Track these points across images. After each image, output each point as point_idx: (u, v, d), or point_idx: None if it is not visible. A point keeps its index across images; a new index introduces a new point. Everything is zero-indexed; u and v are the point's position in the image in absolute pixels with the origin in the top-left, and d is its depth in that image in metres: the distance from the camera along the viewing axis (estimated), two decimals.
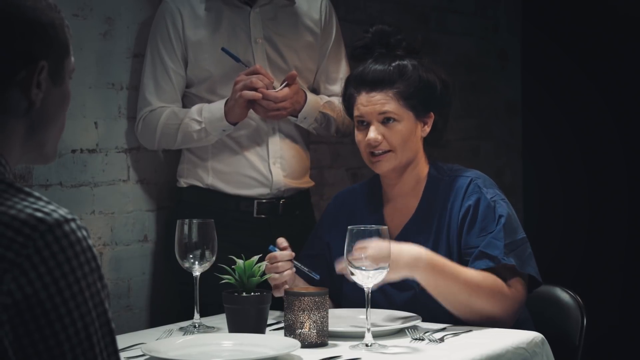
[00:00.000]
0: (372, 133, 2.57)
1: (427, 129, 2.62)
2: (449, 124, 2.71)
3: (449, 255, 2.55)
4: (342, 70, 3.15)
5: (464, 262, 2.52)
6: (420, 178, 2.65)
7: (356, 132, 2.63)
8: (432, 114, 2.62)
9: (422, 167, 2.65)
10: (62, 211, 1.29)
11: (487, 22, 4.76)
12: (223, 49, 2.93)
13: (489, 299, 2.45)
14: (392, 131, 2.57)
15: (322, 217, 2.81)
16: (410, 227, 2.62)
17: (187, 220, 2.50)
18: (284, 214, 3.04)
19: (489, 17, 4.77)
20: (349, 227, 2.28)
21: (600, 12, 4.79)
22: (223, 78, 2.97)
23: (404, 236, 2.59)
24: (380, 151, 2.58)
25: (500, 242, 2.48)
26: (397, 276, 2.42)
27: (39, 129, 1.41)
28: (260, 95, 2.84)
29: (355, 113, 2.61)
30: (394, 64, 2.59)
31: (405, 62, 2.60)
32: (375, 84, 2.58)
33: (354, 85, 2.63)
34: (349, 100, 2.65)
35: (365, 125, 2.60)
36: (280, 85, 2.91)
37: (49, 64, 1.39)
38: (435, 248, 2.56)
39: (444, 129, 2.68)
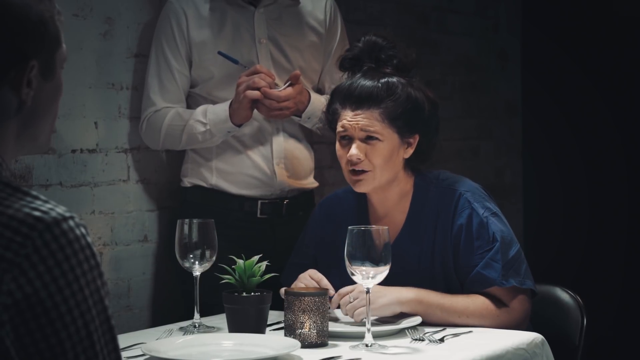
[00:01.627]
0: (354, 150, 2.50)
1: (410, 150, 2.56)
2: (436, 146, 2.63)
3: (444, 271, 2.55)
4: None
5: (461, 280, 2.53)
6: (405, 191, 2.61)
7: (338, 147, 2.56)
8: (417, 135, 2.56)
9: (406, 182, 2.61)
10: (60, 209, 1.29)
11: (487, 22, 4.76)
12: (220, 53, 2.93)
13: (479, 320, 2.47)
14: (374, 149, 2.51)
15: (308, 226, 2.76)
16: (402, 240, 2.59)
17: (187, 220, 2.50)
18: (288, 215, 3.04)
19: (489, 17, 4.77)
20: (349, 227, 2.27)
21: (600, 12, 4.79)
22: (227, 78, 2.96)
23: (396, 249, 2.56)
24: (359, 169, 2.52)
25: (498, 264, 2.48)
26: (385, 312, 2.45)
27: (32, 125, 1.40)
28: (261, 94, 2.84)
29: (339, 128, 2.54)
30: (382, 81, 2.52)
31: (394, 80, 2.53)
32: (361, 101, 2.51)
33: (340, 99, 2.55)
34: (333, 115, 2.58)
35: (347, 140, 2.53)
36: (284, 84, 2.91)
37: (40, 62, 1.37)
38: (430, 259, 2.57)
39: (429, 150, 2.61)
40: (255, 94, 2.84)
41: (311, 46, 3.07)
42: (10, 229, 1.25)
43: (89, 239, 1.30)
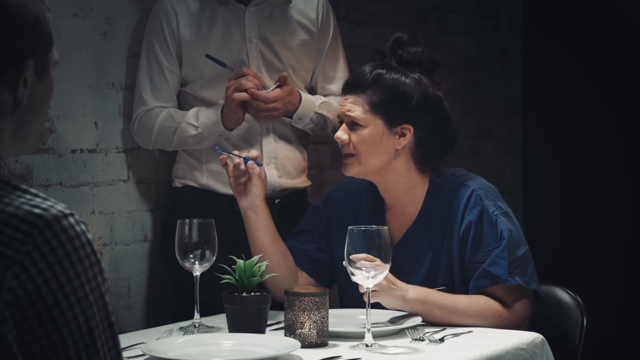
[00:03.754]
0: (339, 132, 2.62)
1: (404, 141, 2.59)
2: (441, 142, 2.63)
3: (449, 266, 2.56)
4: (340, 70, 3.14)
5: (467, 277, 2.54)
6: (414, 184, 2.63)
7: None
8: (409, 126, 2.59)
9: (413, 175, 2.62)
10: (60, 206, 1.29)
11: (487, 22, 4.76)
12: (207, 56, 2.93)
13: (480, 320, 2.48)
14: (356, 135, 2.59)
15: (324, 204, 2.78)
16: (411, 234, 2.62)
17: (187, 220, 2.50)
18: (279, 214, 3.03)
19: (489, 17, 4.77)
20: (349, 227, 2.28)
21: (601, 12, 4.79)
22: (216, 78, 2.96)
23: (405, 243, 2.61)
24: (346, 153, 2.61)
25: (504, 261, 2.49)
26: (387, 303, 2.45)
27: (25, 124, 1.41)
28: (249, 96, 2.84)
29: None
30: (374, 72, 2.59)
31: (384, 70, 2.59)
32: (350, 87, 2.62)
33: (343, 86, 2.69)
34: None
35: (341, 124, 2.64)
36: (273, 85, 2.91)
37: (35, 62, 1.38)
38: (436, 257, 2.58)
39: (432, 146, 2.62)
40: (243, 95, 2.84)
41: (303, 45, 3.07)
42: (11, 226, 1.25)
43: (90, 236, 1.30)
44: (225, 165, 2.65)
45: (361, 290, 2.32)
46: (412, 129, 2.59)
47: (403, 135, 2.59)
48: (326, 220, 2.75)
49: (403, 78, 2.59)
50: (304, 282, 2.69)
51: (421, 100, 2.59)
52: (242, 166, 2.62)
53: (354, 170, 2.62)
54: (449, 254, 2.57)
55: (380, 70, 2.60)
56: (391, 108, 2.57)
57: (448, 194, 2.61)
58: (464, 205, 2.57)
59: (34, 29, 1.37)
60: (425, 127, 2.60)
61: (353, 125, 2.59)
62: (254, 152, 2.65)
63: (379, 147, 2.58)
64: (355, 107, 2.58)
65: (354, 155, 2.60)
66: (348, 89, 2.62)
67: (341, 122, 2.64)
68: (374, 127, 2.58)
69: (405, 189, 2.63)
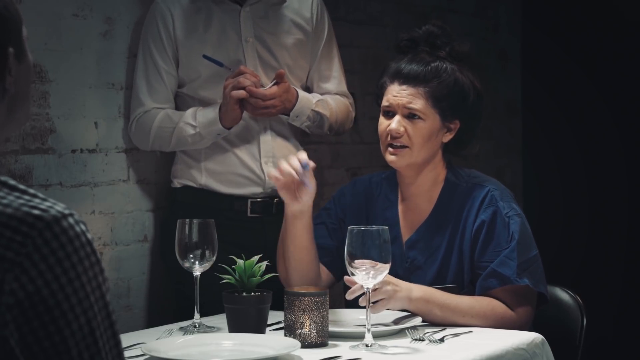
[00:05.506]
0: (395, 124, 2.57)
1: (450, 135, 2.61)
2: (475, 139, 2.68)
3: (459, 263, 2.57)
4: (335, 68, 3.15)
5: (475, 276, 2.54)
6: (437, 181, 2.64)
7: (380, 120, 2.62)
8: (458, 121, 2.61)
9: (440, 171, 2.65)
10: (59, 207, 1.29)
11: (487, 22, 4.76)
12: (204, 56, 2.93)
13: (482, 321, 2.48)
14: (415, 127, 2.57)
15: (337, 197, 2.77)
16: (424, 230, 2.62)
17: (187, 220, 2.50)
18: (278, 213, 3.03)
19: (489, 17, 4.78)
20: (349, 227, 2.28)
21: (601, 12, 4.79)
22: (213, 78, 2.97)
23: (417, 239, 2.61)
24: (398, 144, 2.58)
25: (513, 262, 2.49)
26: (395, 306, 2.45)
27: (16, 107, 1.40)
28: (247, 93, 2.84)
29: (384, 102, 2.61)
30: (433, 64, 2.58)
31: (444, 65, 2.59)
32: (409, 78, 2.58)
33: (389, 75, 2.62)
34: (380, 89, 2.65)
35: (390, 115, 2.60)
36: (270, 83, 2.92)
37: (14, 47, 1.36)
38: (447, 254, 2.58)
39: (468, 140, 2.66)
40: (241, 93, 2.85)
41: (298, 44, 3.08)
42: (10, 228, 1.25)
43: (89, 236, 1.29)
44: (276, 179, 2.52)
45: (352, 296, 2.34)
46: (459, 124, 2.61)
47: (449, 130, 2.61)
48: (341, 213, 2.73)
49: (457, 72, 2.60)
50: (324, 277, 2.67)
51: (475, 97, 2.61)
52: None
53: (405, 161, 2.59)
54: (460, 252, 2.57)
55: (439, 64, 2.59)
56: (450, 103, 2.58)
57: (463, 193, 2.61)
58: (479, 204, 2.57)
59: (4, 15, 1.35)
60: (470, 122, 2.63)
61: (412, 117, 2.57)
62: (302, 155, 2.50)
63: (432, 141, 2.59)
64: (416, 100, 2.56)
65: (406, 147, 2.58)
66: (406, 80, 2.58)
67: (389, 113, 2.60)
68: (433, 121, 2.58)
69: (429, 185, 2.64)
